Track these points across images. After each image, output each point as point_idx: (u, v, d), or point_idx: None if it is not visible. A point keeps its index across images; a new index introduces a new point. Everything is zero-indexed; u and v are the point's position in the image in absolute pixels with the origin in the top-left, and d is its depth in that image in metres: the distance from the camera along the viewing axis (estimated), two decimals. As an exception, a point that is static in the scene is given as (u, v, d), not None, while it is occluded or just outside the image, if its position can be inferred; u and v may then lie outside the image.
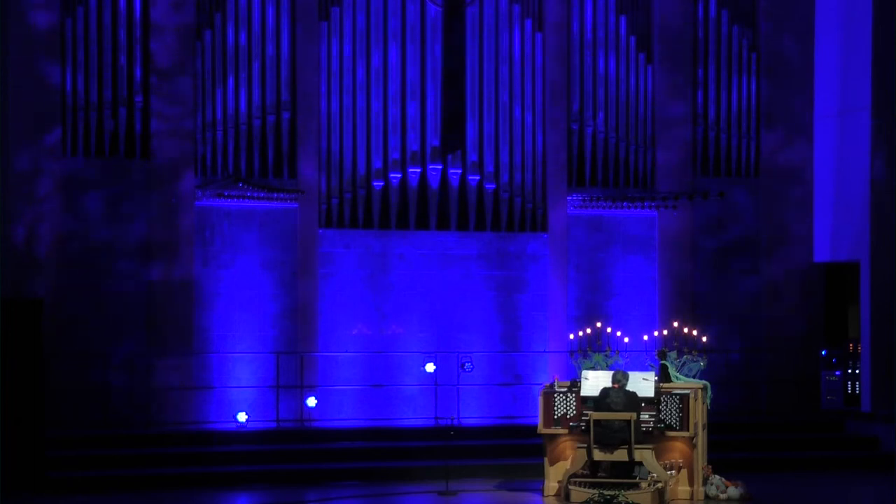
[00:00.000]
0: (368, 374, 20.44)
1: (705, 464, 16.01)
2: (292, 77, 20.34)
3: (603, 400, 15.47)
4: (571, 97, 21.20)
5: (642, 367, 16.31)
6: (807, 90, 21.74)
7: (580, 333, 17.21)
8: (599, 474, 15.53)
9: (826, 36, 21.68)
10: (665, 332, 17.76)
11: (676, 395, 15.64)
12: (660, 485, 15.17)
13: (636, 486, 15.13)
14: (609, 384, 15.62)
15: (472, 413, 20.33)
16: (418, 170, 20.64)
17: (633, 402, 15.41)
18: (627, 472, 15.36)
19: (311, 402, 19.87)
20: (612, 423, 15.28)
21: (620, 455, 15.30)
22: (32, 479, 16.38)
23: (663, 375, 16.02)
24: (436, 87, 20.78)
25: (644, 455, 15.30)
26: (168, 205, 19.59)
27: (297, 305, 20.18)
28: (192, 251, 19.78)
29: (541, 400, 15.99)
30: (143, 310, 19.50)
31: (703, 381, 16.14)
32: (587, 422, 15.39)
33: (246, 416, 19.50)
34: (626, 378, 15.57)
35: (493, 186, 20.89)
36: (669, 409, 15.59)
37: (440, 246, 20.74)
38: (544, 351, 20.84)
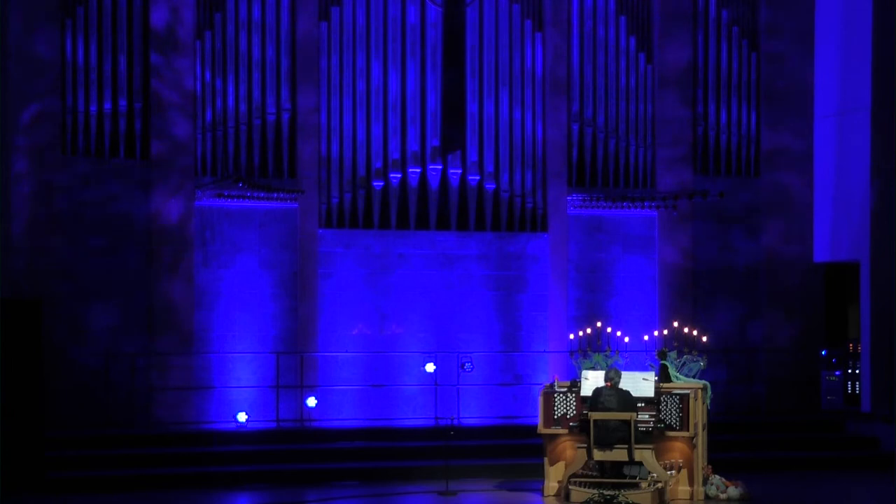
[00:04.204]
0: (368, 374, 20.44)
1: (705, 464, 16.01)
2: (292, 77, 20.35)
3: (596, 399, 15.46)
4: (571, 97, 21.21)
5: (642, 367, 16.32)
6: (807, 90, 21.75)
7: (580, 333, 17.20)
8: (594, 474, 15.52)
9: (826, 36, 21.69)
10: (665, 332, 17.76)
11: (676, 395, 15.64)
12: (660, 485, 15.17)
13: (636, 486, 15.13)
14: (602, 384, 15.61)
15: (472, 413, 20.34)
16: (418, 170, 20.65)
17: (626, 400, 15.38)
18: (619, 472, 15.33)
19: (311, 402, 19.87)
20: (608, 423, 15.28)
21: (618, 454, 15.30)
22: (32, 479, 16.39)
23: (663, 375, 16.02)
24: (436, 88, 20.79)
25: (644, 455, 15.30)
26: (168, 205, 19.60)
27: (297, 305, 20.19)
28: (192, 251, 19.80)
29: (541, 400, 15.99)
30: (143, 309, 19.50)
31: (703, 381, 16.14)
32: (584, 421, 15.39)
33: (246, 416, 19.51)
34: (619, 376, 15.55)
35: (493, 186, 20.90)
36: (669, 409, 15.59)
37: (440, 246, 20.75)
38: (544, 351, 20.85)
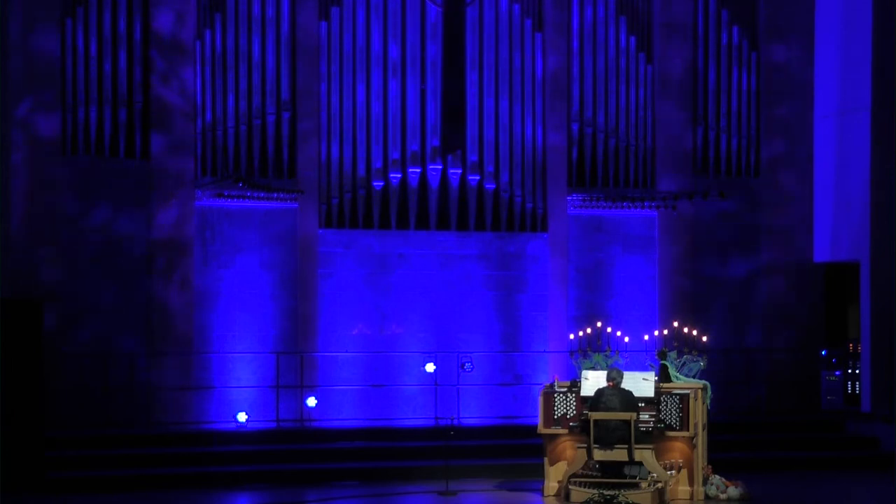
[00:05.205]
0: (368, 374, 20.44)
1: (705, 464, 16.01)
2: (292, 77, 20.35)
3: (598, 399, 15.46)
4: (571, 97, 21.21)
5: (642, 367, 16.32)
6: (807, 90, 21.75)
7: (580, 333, 17.20)
8: (594, 474, 15.52)
9: (826, 36, 21.68)
10: (665, 332, 17.77)
11: (676, 395, 15.65)
12: (660, 485, 15.17)
13: (636, 486, 15.12)
14: (602, 384, 15.61)
15: (472, 413, 20.34)
16: (418, 170, 20.65)
17: (628, 400, 15.38)
18: (619, 472, 15.33)
19: (311, 402, 19.87)
20: (608, 423, 15.28)
21: (618, 454, 15.30)
22: (32, 479, 16.39)
23: (663, 375, 16.02)
24: (436, 88, 20.78)
25: (644, 455, 15.30)
26: (168, 205, 19.60)
27: (297, 305, 20.18)
28: (192, 251, 19.79)
29: (541, 400, 15.99)
30: (143, 309, 19.50)
31: (703, 381, 16.14)
32: (584, 421, 15.39)
33: (246, 416, 19.51)
34: (621, 376, 15.56)
35: (493, 186, 20.90)
36: (669, 409, 15.59)
37: (440, 246, 20.75)
38: (544, 351, 20.85)
